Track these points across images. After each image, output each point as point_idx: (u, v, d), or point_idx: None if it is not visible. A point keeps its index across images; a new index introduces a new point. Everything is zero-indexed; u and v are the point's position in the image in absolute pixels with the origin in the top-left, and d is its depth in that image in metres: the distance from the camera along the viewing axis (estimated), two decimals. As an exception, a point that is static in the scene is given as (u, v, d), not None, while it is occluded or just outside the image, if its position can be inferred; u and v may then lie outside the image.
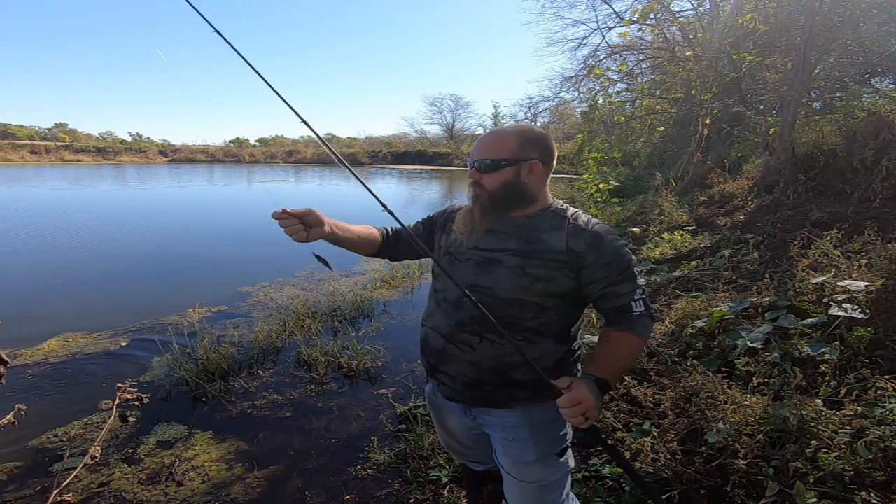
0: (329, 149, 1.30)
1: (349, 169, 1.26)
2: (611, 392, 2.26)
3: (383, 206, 1.19)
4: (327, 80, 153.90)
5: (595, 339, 2.61)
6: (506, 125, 1.21)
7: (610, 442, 1.15)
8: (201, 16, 1.35)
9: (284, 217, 1.15)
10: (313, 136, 1.34)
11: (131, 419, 2.61)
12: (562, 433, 1.21)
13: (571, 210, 1.16)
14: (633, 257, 1.12)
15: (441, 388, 1.27)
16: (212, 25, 1.33)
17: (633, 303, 1.09)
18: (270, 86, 1.33)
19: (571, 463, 1.27)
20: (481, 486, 1.62)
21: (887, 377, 1.71)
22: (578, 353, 1.24)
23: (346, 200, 14.14)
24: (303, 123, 1.32)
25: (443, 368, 1.21)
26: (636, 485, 1.30)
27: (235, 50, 1.31)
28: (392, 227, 1.39)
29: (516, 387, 1.14)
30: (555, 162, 1.18)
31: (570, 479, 1.27)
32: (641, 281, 1.11)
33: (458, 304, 1.15)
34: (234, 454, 2.32)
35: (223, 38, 1.32)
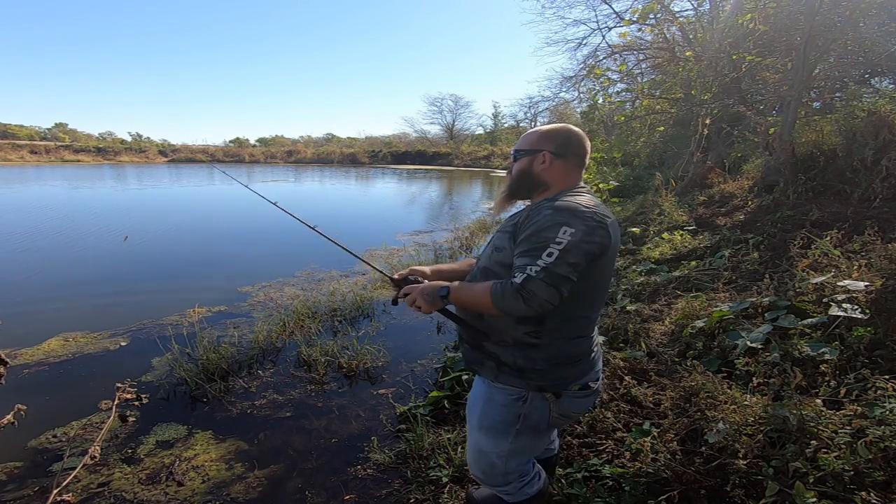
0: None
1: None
2: (610, 392, 2.27)
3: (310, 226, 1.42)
4: (328, 81, 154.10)
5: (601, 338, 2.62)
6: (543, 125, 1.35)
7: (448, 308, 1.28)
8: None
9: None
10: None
11: (131, 419, 2.61)
12: (509, 418, 1.27)
13: (569, 195, 1.16)
14: (563, 240, 1.03)
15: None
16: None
17: (517, 273, 1.05)
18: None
19: (518, 444, 1.29)
20: None
21: (887, 377, 1.71)
22: (549, 342, 1.18)
23: (345, 202, 14.14)
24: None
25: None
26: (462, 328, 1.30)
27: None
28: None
29: (482, 351, 1.27)
30: (577, 155, 1.25)
31: (510, 452, 1.31)
32: (545, 261, 1.02)
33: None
34: (234, 454, 2.32)
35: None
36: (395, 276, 1.39)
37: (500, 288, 1.07)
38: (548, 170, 1.24)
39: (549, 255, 1.03)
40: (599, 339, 1.36)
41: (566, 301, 1.07)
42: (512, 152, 1.32)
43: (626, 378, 2.29)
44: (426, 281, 1.33)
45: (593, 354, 1.29)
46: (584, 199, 1.15)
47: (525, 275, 1.03)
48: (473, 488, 1.81)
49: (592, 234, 1.06)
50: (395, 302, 1.37)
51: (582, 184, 1.27)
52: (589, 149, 1.28)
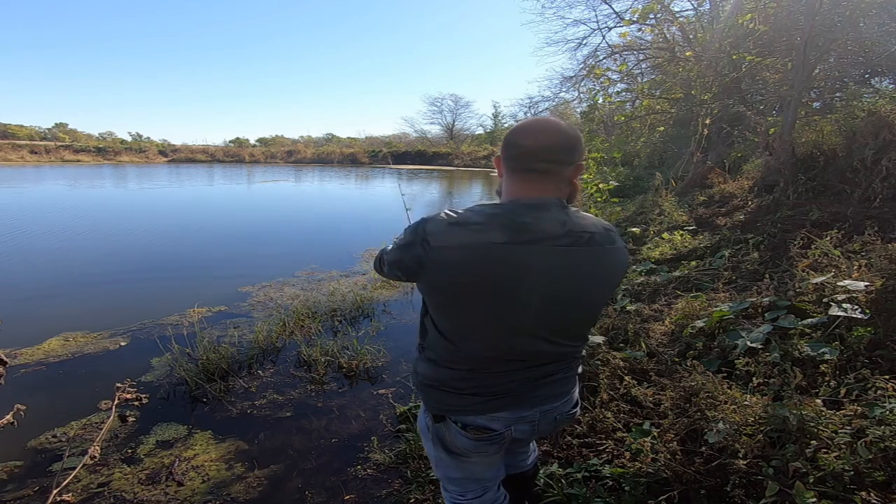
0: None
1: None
2: (610, 392, 2.27)
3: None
4: (328, 81, 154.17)
5: (596, 338, 2.62)
6: None
7: None
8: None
9: None
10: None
11: (131, 419, 2.61)
12: (423, 426, 1.25)
13: (475, 207, 1.04)
14: (400, 245, 1.05)
15: None
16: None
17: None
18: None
19: (437, 454, 1.23)
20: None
21: (887, 377, 1.71)
22: (427, 356, 1.14)
23: (346, 202, 14.13)
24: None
25: None
26: None
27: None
28: None
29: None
30: (513, 157, 1.04)
31: (435, 460, 1.26)
32: (387, 248, 1.13)
33: None
34: (234, 454, 2.32)
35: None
36: None
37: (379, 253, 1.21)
38: (502, 180, 1.09)
39: (398, 241, 1.08)
40: (541, 390, 1.12)
41: (436, 316, 1.08)
42: None
43: (626, 378, 2.29)
44: None
45: (468, 398, 1.09)
46: (455, 217, 0.99)
47: (385, 249, 1.16)
48: None
49: (408, 248, 1.02)
50: None
51: (527, 196, 1.01)
52: (553, 145, 1.00)
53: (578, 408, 1.25)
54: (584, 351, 1.26)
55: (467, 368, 1.08)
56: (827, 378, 1.85)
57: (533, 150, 1.00)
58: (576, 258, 0.99)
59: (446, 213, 1.00)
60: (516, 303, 0.99)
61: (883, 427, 1.43)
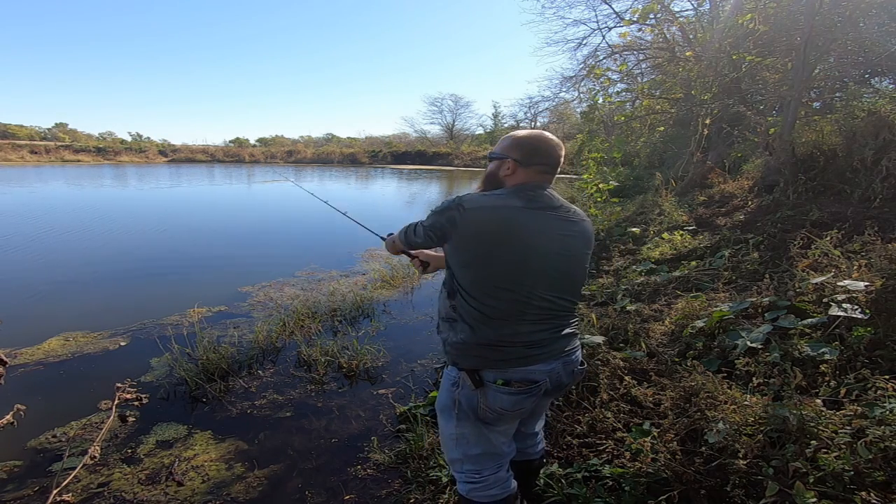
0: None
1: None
2: (610, 392, 2.27)
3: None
4: (328, 81, 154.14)
5: (596, 338, 2.61)
6: (518, 131, 1.42)
7: None
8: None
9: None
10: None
11: (131, 419, 2.61)
12: (449, 402, 1.36)
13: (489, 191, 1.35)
14: (437, 211, 1.27)
15: None
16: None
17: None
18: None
19: (460, 430, 1.35)
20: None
21: (887, 377, 1.71)
22: (463, 318, 1.28)
23: (345, 202, 14.13)
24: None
25: None
26: None
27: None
28: None
29: (439, 328, 1.40)
30: (542, 164, 1.31)
31: (456, 437, 1.37)
32: (421, 220, 1.35)
33: None
34: (234, 454, 2.32)
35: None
36: None
37: (390, 236, 1.57)
38: (510, 177, 1.32)
39: (428, 222, 1.31)
40: (565, 349, 1.33)
41: (461, 280, 1.27)
42: (489, 153, 1.42)
43: (626, 378, 2.29)
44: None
45: (517, 349, 1.25)
46: (489, 197, 1.27)
47: (406, 228, 1.43)
48: None
49: (443, 211, 1.25)
50: None
51: (535, 185, 1.30)
52: (560, 156, 1.33)
53: (584, 365, 1.44)
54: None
55: (500, 325, 1.25)
56: (827, 378, 1.85)
57: (555, 157, 1.33)
58: (568, 225, 1.29)
59: (476, 192, 1.30)
60: (535, 258, 1.23)
61: (883, 427, 1.43)
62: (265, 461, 2.27)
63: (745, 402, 1.76)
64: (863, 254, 2.90)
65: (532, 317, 1.25)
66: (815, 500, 1.32)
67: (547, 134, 1.35)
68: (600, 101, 7.72)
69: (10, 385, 2.82)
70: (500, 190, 1.31)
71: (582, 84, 13.64)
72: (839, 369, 1.93)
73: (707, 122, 7.35)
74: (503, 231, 1.20)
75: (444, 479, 1.98)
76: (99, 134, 53.44)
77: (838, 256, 2.90)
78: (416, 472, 2.09)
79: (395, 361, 3.31)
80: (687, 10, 10.26)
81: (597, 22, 11.53)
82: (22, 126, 51.24)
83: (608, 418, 2.10)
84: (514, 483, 1.45)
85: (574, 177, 14.99)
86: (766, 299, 2.63)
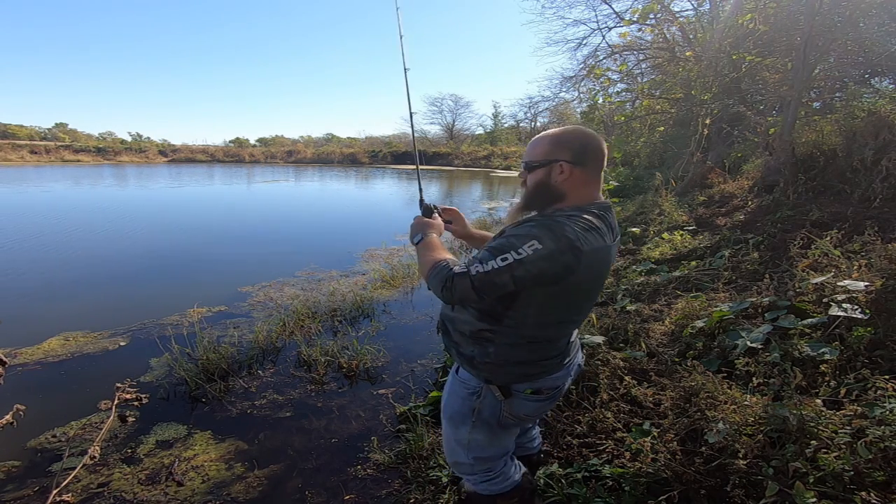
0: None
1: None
2: (610, 392, 2.27)
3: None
4: (328, 81, 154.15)
5: (596, 338, 2.61)
6: (548, 130, 1.25)
7: None
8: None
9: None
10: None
11: (130, 419, 2.61)
12: (465, 410, 1.31)
13: (571, 214, 1.11)
14: (525, 252, 1.02)
15: None
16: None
17: (466, 264, 1.09)
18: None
19: (473, 436, 1.33)
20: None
21: (887, 377, 1.71)
22: (503, 340, 1.18)
23: (345, 202, 14.12)
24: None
25: None
26: None
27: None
28: None
29: (450, 339, 1.32)
30: (595, 160, 1.18)
31: (467, 443, 1.35)
32: (493, 265, 1.04)
33: None
34: (234, 454, 2.32)
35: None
36: (426, 202, 1.52)
37: (440, 267, 1.12)
38: (567, 180, 1.16)
39: (503, 259, 1.03)
40: (576, 351, 1.36)
41: (517, 310, 1.14)
42: (523, 164, 1.24)
43: (626, 378, 2.29)
44: (439, 220, 1.44)
45: (553, 361, 1.25)
46: (581, 222, 1.08)
47: (465, 270, 1.07)
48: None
49: (556, 257, 1.02)
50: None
51: (598, 197, 1.20)
52: (606, 151, 1.21)
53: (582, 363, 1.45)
54: None
55: (545, 346, 1.22)
56: (827, 378, 1.85)
57: (603, 151, 1.19)
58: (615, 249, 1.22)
59: (566, 218, 1.09)
60: (600, 290, 1.26)
61: (883, 427, 1.43)
62: (265, 461, 2.27)
63: (745, 402, 1.76)
64: (863, 254, 2.90)
65: (560, 340, 1.25)
66: (815, 500, 1.32)
67: (581, 127, 1.23)
68: (600, 101, 7.72)
69: (9, 385, 2.83)
70: (589, 215, 1.12)
71: (582, 84, 13.64)
72: (839, 369, 1.93)
73: (707, 122, 7.35)
74: (597, 276, 1.15)
75: (444, 479, 1.98)
76: (99, 134, 53.57)
77: (838, 256, 2.90)
78: (416, 472, 2.09)
79: (395, 361, 3.31)
80: (687, 10, 10.27)
81: (597, 22, 11.54)
82: (22, 126, 51.25)
83: (608, 418, 2.10)
84: (522, 468, 1.53)
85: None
86: (766, 299, 2.63)
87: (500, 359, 1.21)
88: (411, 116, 1.83)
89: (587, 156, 1.16)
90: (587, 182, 1.18)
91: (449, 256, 1.19)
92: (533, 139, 1.25)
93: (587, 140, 1.17)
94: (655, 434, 1.87)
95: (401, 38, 1.92)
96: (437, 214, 1.47)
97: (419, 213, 1.47)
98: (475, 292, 1.05)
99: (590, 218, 1.11)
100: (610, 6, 10.95)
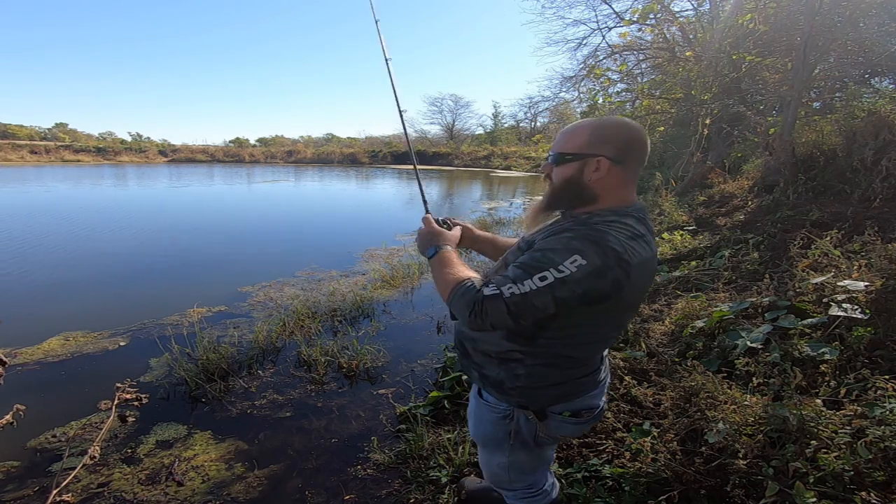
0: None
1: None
2: (610, 392, 2.27)
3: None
4: (328, 82, 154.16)
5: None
6: (585, 119, 1.08)
7: None
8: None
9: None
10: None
11: (130, 419, 2.61)
12: (500, 434, 1.20)
13: (610, 220, 0.97)
14: (567, 270, 0.88)
15: None
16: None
17: (494, 283, 0.93)
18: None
19: (513, 458, 1.24)
20: None
21: (887, 377, 1.71)
22: (534, 360, 1.06)
23: (345, 202, 14.12)
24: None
25: None
26: None
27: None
28: None
29: (469, 359, 1.20)
30: (637, 160, 1.03)
31: (508, 466, 1.27)
32: (530, 286, 0.89)
33: None
34: (234, 454, 2.32)
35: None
36: (431, 215, 1.36)
37: (464, 288, 0.97)
38: (602, 179, 1.00)
39: (542, 279, 0.88)
40: (606, 367, 1.24)
41: (554, 331, 1.02)
42: (551, 155, 1.06)
43: (626, 378, 2.29)
44: (457, 229, 1.34)
45: (588, 379, 1.14)
46: (624, 230, 0.95)
47: (497, 291, 0.91)
48: (466, 479, 1.84)
49: (604, 273, 0.89)
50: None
51: (635, 200, 1.04)
52: (649, 148, 1.05)
53: None
54: None
55: (582, 366, 1.12)
56: (827, 378, 1.85)
57: (647, 147, 1.05)
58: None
59: (609, 230, 0.93)
60: (642, 302, 1.13)
61: (883, 427, 1.43)
62: (265, 461, 2.27)
63: (745, 402, 1.76)
64: (863, 254, 2.90)
65: (594, 360, 1.16)
66: (815, 500, 1.32)
67: (626, 119, 1.06)
68: (600, 101, 7.71)
69: (9, 385, 2.82)
70: (633, 220, 0.98)
71: (582, 84, 13.62)
72: (839, 369, 1.93)
73: (707, 122, 7.35)
74: (646, 287, 1.03)
75: (444, 479, 1.98)
76: (99, 134, 53.54)
77: (838, 256, 2.90)
78: (416, 472, 2.09)
79: (395, 361, 3.31)
80: (687, 10, 10.27)
81: (597, 22, 11.54)
82: (22, 126, 51.24)
83: (608, 418, 2.10)
84: (557, 484, 1.51)
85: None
86: (766, 299, 2.63)
87: (532, 381, 1.08)
88: (400, 112, 1.70)
89: (631, 153, 1.00)
90: (624, 183, 1.02)
91: (472, 274, 1.03)
92: (568, 127, 1.07)
93: (633, 135, 1.01)
94: (655, 434, 1.87)
95: (376, 22, 1.79)
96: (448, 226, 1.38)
97: (421, 213, 1.40)
98: (510, 318, 0.90)
99: (632, 223, 0.97)
100: (610, 6, 10.96)
